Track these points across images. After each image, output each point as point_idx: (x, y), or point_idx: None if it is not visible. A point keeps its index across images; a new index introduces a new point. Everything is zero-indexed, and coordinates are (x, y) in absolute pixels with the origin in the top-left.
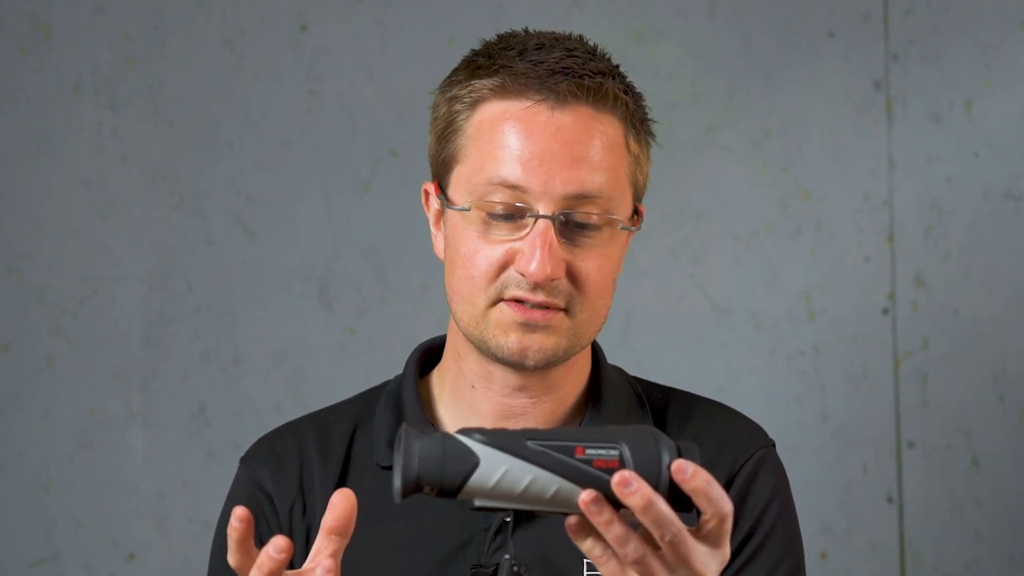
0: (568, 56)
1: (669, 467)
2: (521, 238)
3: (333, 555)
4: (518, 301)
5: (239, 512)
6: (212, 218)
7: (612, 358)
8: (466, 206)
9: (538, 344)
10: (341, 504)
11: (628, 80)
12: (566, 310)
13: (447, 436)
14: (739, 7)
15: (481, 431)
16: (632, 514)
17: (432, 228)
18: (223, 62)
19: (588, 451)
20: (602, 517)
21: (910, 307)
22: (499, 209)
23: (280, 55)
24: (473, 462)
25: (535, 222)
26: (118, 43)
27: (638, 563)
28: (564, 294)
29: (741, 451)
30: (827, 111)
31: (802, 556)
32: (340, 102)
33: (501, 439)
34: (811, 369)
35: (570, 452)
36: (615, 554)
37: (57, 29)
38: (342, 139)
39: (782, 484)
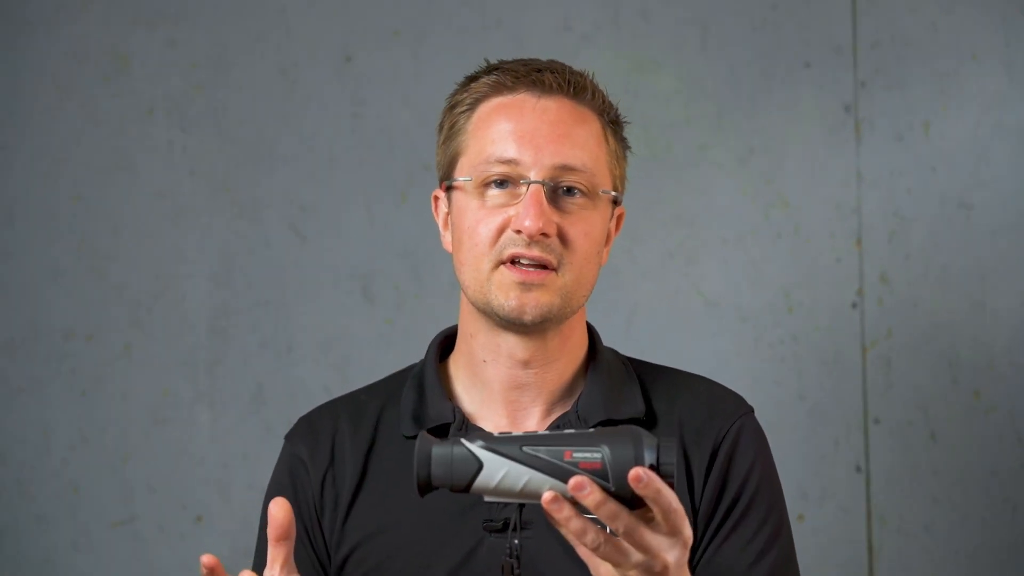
0: (552, 61)
1: (646, 467)
2: (516, 204)
3: (284, 563)
4: (515, 262)
5: (205, 560)
6: (268, 224)
7: (617, 347)
8: (468, 177)
9: (534, 301)
10: (278, 512)
11: (606, 93)
12: (557, 270)
13: (456, 443)
14: (726, 41)
15: (485, 438)
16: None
17: (441, 229)
18: (278, 88)
19: (575, 454)
20: (561, 514)
21: (876, 302)
22: (496, 178)
23: (328, 82)
24: (477, 466)
25: (528, 188)
26: (187, 72)
27: (596, 550)
28: (556, 253)
29: (724, 420)
30: (803, 131)
31: (785, 511)
32: (380, 123)
33: (501, 445)
34: (789, 355)
35: (559, 456)
36: None
37: (135, 60)
38: (382, 155)
39: (763, 447)
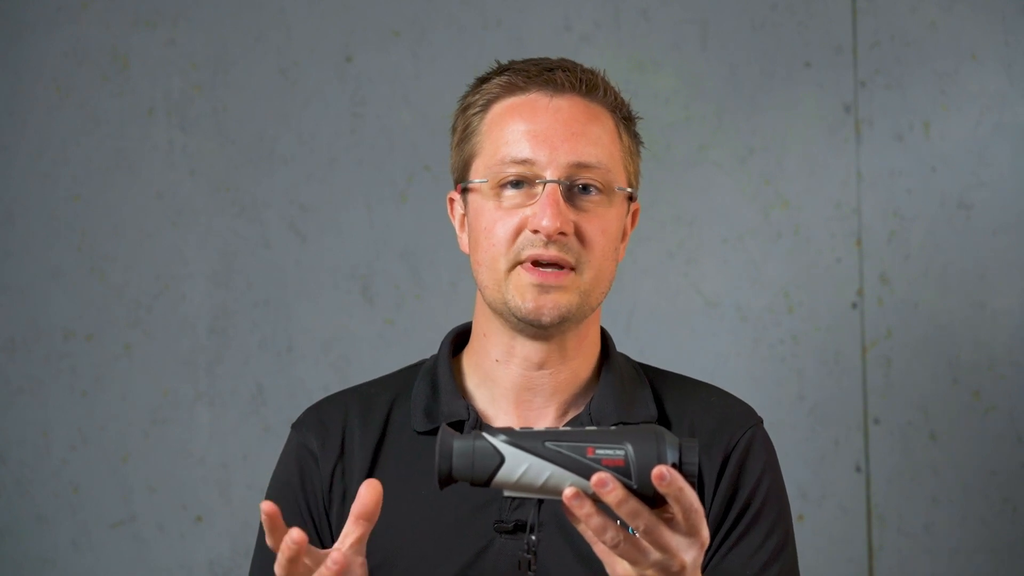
0: (563, 60)
1: (668, 465)
2: (532, 204)
3: (357, 542)
4: (534, 263)
5: (266, 507)
6: (268, 224)
7: (617, 346)
8: (484, 179)
9: (552, 303)
10: (369, 494)
11: (617, 90)
12: (575, 269)
13: (478, 436)
14: (727, 41)
15: (507, 432)
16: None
17: (458, 231)
18: (278, 88)
19: (598, 451)
20: (582, 511)
21: (876, 302)
22: (512, 179)
23: (328, 82)
24: (499, 460)
25: (544, 187)
26: (187, 72)
27: (615, 548)
28: (574, 252)
29: (735, 430)
30: (803, 131)
31: (791, 523)
32: (380, 123)
33: (523, 440)
34: (789, 355)
35: (582, 452)
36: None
37: (134, 60)
38: (382, 155)
39: (771, 458)
